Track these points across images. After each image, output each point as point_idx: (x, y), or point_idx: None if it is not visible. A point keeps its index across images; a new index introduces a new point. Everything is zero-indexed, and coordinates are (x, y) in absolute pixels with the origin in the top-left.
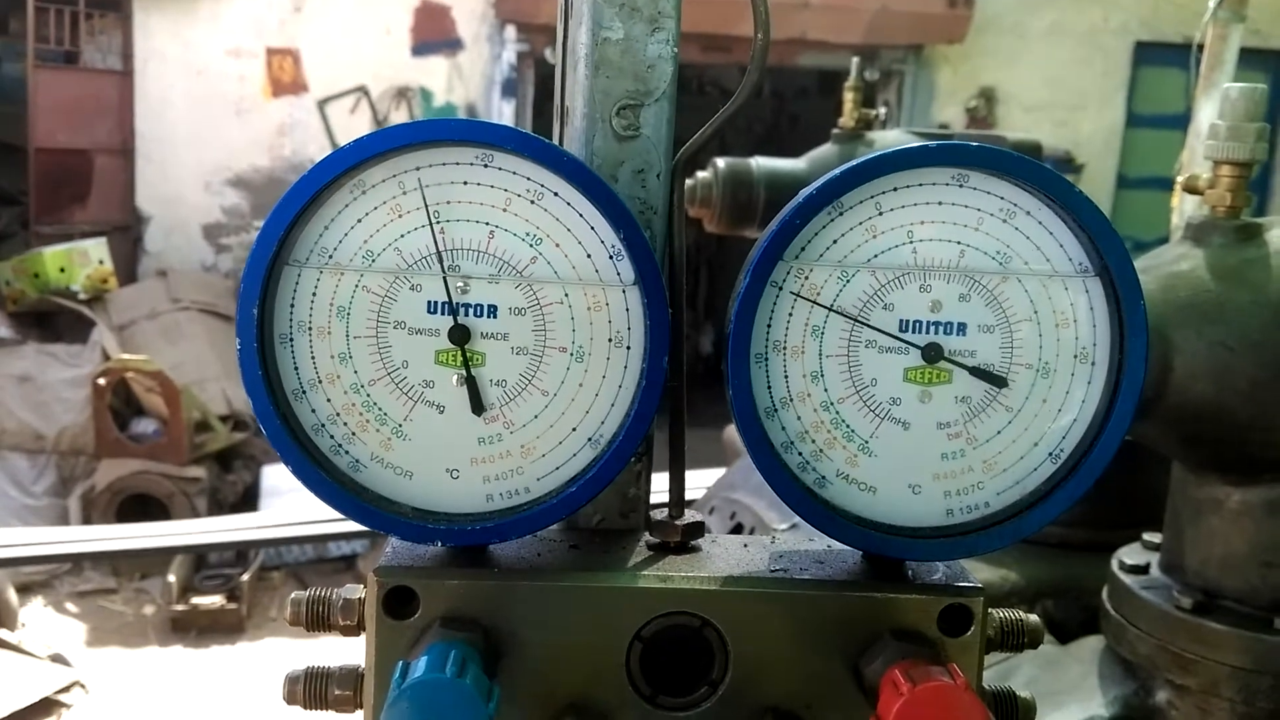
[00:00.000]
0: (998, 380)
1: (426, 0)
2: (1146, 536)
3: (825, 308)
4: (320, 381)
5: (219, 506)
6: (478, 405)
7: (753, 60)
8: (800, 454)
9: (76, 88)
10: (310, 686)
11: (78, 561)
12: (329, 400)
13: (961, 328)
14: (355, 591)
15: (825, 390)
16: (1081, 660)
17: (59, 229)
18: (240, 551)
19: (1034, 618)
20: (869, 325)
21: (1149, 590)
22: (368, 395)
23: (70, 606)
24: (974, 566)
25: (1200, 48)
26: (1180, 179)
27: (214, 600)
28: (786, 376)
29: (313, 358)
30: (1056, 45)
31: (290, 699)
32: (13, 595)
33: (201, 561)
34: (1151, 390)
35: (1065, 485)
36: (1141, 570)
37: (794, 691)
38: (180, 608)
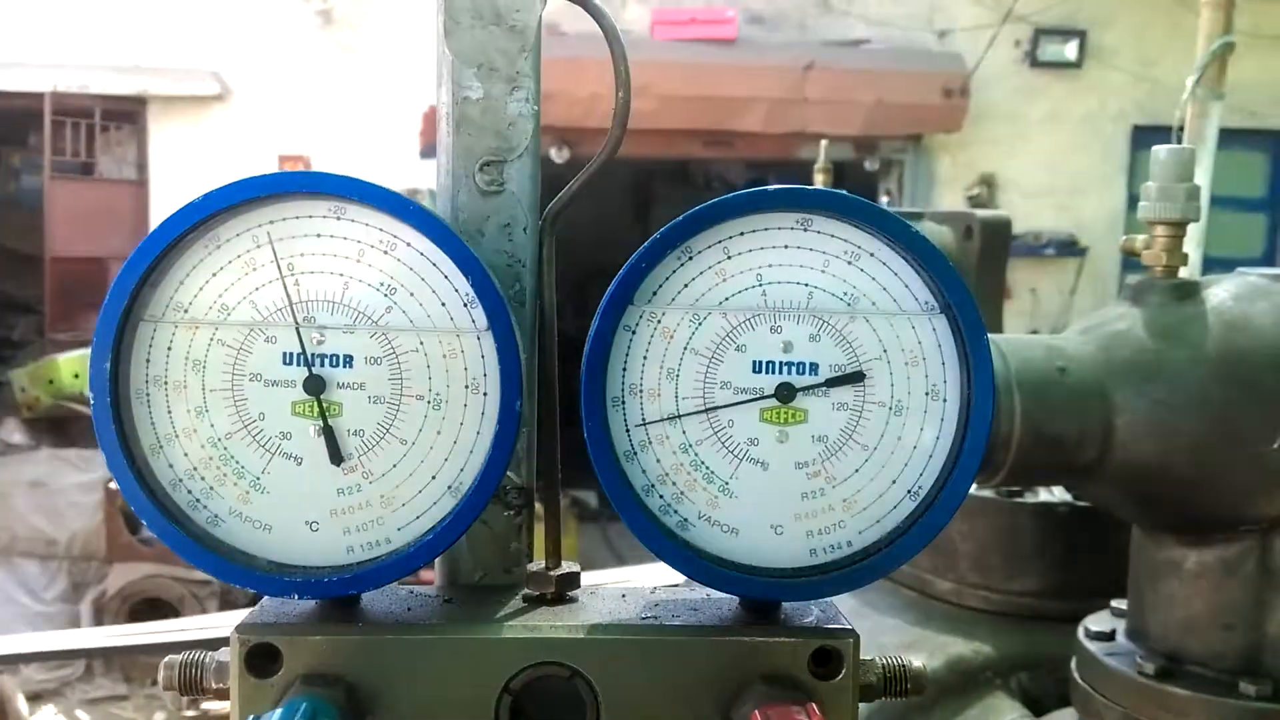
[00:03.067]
0: (856, 376)
1: (435, 106)
2: (1114, 603)
3: (680, 349)
4: (177, 436)
5: (230, 608)
6: (336, 455)
7: (615, 118)
8: (661, 496)
9: (92, 198)
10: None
11: (86, 659)
12: (186, 454)
13: (814, 367)
14: (229, 654)
15: (684, 433)
16: None
17: (74, 336)
18: None
19: (918, 664)
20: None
21: (1113, 657)
22: (225, 449)
23: (81, 714)
24: (946, 640)
25: (1182, 128)
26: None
27: (223, 705)
28: (644, 420)
29: (169, 412)
30: (1053, 132)
31: (167, 684)
32: (22, 703)
33: None
34: (1095, 450)
35: (924, 521)
36: (1107, 637)
37: None
38: (191, 713)
